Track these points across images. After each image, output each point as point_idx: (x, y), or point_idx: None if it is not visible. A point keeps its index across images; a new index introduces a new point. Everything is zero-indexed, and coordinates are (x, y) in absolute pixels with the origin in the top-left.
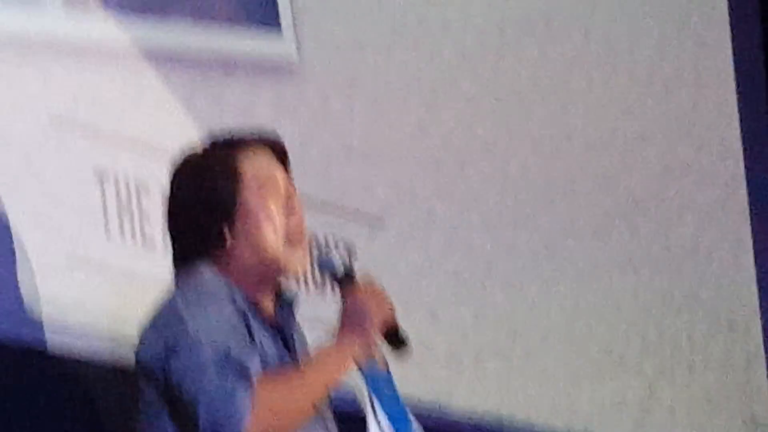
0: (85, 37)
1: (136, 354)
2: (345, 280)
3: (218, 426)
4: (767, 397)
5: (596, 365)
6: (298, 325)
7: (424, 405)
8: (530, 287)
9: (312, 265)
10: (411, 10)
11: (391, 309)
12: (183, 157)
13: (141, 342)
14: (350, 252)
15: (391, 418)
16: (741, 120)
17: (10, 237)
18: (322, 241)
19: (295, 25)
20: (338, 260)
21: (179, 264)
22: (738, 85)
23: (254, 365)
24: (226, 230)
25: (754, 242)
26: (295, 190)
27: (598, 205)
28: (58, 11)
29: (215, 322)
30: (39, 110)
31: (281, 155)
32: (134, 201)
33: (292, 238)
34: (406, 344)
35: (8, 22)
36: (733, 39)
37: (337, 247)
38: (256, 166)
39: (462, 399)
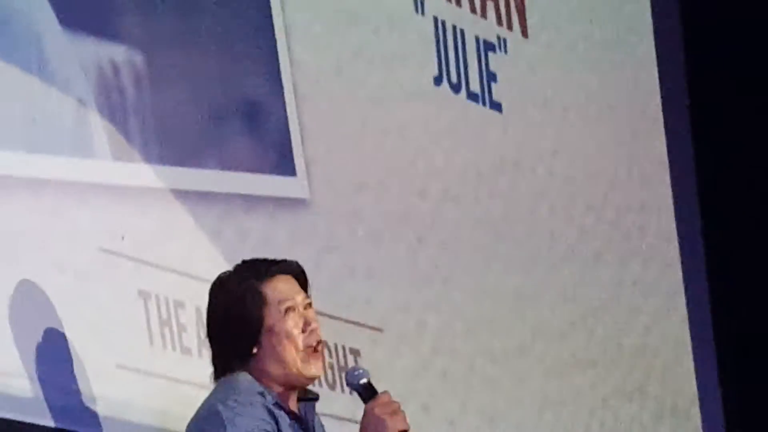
0: (130, 181)
1: None
2: (367, 393)
3: None
4: None
5: None
6: (318, 417)
7: None
8: (506, 383)
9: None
10: (403, 155)
11: (404, 418)
12: (218, 281)
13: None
14: (354, 356)
15: None
16: (680, 243)
17: (68, 348)
18: (333, 350)
19: (307, 170)
20: (363, 377)
21: (218, 369)
22: (676, 212)
23: None
24: (254, 346)
25: (693, 344)
26: (311, 307)
27: (562, 313)
28: (107, 160)
29: (251, 421)
30: (91, 242)
31: (301, 279)
32: (173, 316)
33: (309, 351)
34: None
35: (66, 169)
36: (673, 184)
37: (344, 353)
38: (278, 291)
39: None
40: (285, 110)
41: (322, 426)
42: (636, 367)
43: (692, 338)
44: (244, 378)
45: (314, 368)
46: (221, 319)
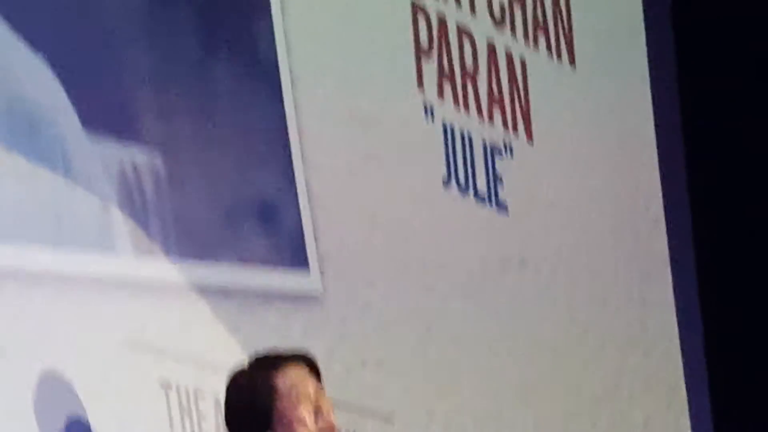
0: (151, 275)
1: None
2: None
3: None
4: None
5: None
6: None
7: None
8: None
9: None
10: (412, 252)
11: None
12: (233, 375)
13: None
14: None
15: None
16: (680, 337)
17: None
18: None
19: (320, 266)
20: None
21: None
22: (677, 308)
23: None
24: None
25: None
26: (325, 395)
27: (565, 404)
28: (129, 256)
29: None
30: (114, 334)
31: (313, 369)
32: (193, 405)
33: (329, 422)
34: None
35: (90, 264)
36: (673, 280)
37: None
38: (289, 381)
39: None
40: (299, 208)
41: None
42: None
43: (692, 428)
44: None
45: None
46: (236, 411)
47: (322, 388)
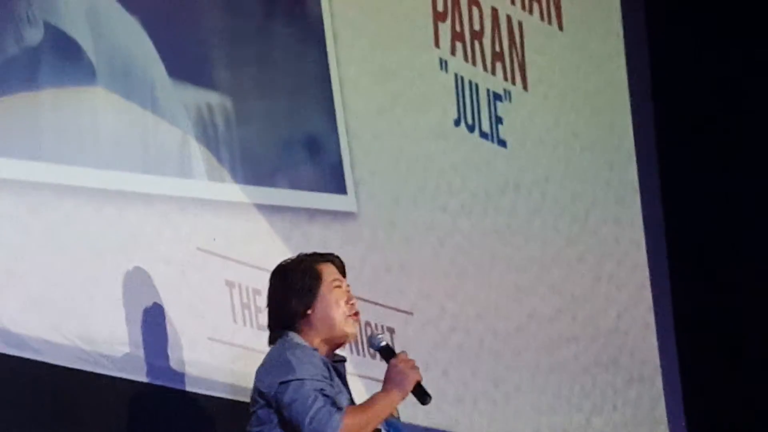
0: (221, 196)
1: (256, 388)
2: (387, 353)
3: (316, 429)
4: (665, 425)
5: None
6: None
7: (438, 430)
8: (508, 356)
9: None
10: (429, 178)
11: (418, 373)
12: (281, 265)
13: (259, 380)
14: (391, 333)
15: None
16: (647, 248)
17: (168, 324)
18: (373, 327)
19: (355, 189)
20: (383, 340)
21: (273, 331)
22: (645, 225)
23: (341, 401)
24: (309, 309)
25: (656, 326)
26: (349, 287)
27: (551, 302)
28: (203, 180)
29: (313, 369)
30: (190, 243)
31: (341, 269)
32: (252, 301)
33: (349, 318)
34: (429, 396)
35: (172, 186)
36: (642, 203)
37: (383, 331)
38: (328, 271)
39: (464, 427)
40: (338, 143)
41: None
42: (610, 344)
43: (656, 321)
44: (298, 339)
45: (353, 328)
46: (284, 289)
47: (348, 285)
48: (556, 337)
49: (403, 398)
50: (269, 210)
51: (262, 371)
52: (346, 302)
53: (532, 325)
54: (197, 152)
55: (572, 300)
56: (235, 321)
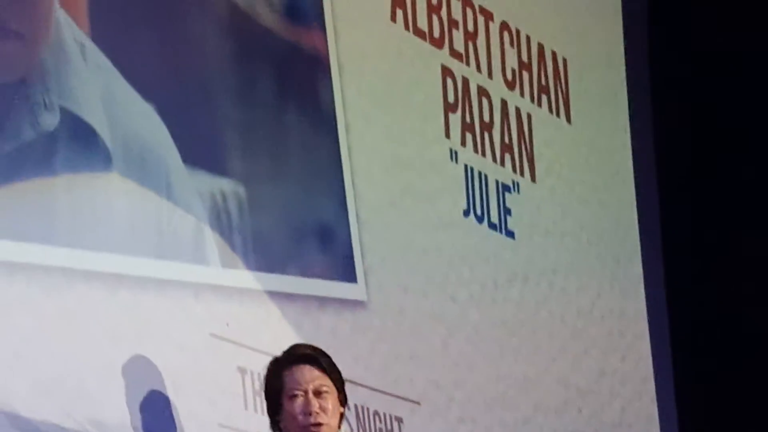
0: (234, 283)
1: None
2: None
3: None
4: None
5: None
6: None
7: None
8: None
9: None
10: (438, 269)
11: None
12: (269, 363)
13: None
14: (399, 423)
15: None
16: (651, 343)
17: (177, 410)
18: (382, 416)
19: (365, 278)
20: None
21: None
22: (649, 320)
23: None
24: (278, 416)
25: (660, 421)
26: (323, 392)
27: (557, 394)
28: (217, 267)
29: None
30: (203, 329)
31: (322, 366)
32: (263, 387)
33: (307, 429)
34: None
35: (186, 272)
36: (647, 297)
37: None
38: (292, 378)
39: None
40: (349, 232)
41: None
42: None
43: (659, 417)
44: None
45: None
46: (265, 391)
47: (322, 386)
48: (561, 430)
49: None
50: (281, 297)
51: None
52: (305, 413)
53: (539, 416)
54: (211, 239)
55: (577, 393)
56: (246, 408)
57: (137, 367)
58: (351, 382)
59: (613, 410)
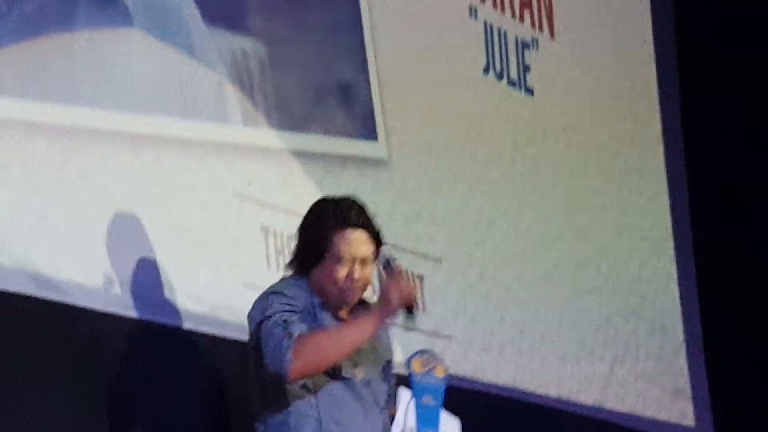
0: (256, 141)
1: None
2: (387, 268)
3: (274, 366)
4: (686, 375)
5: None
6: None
7: (465, 378)
8: (533, 304)
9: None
10: (459, 127)
11: (412, 292)
12: (319, 205)
13: (251, 309)
14: (420, 280)
15: (422, 421)
16: (669, 197)
17: (200, 268)
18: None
19: (386, 137)
20: (387, 256)
21: (291, 266)
22: (668, 175)
23: (298, 330)
24: (316, 264)
25: (678, 276)
26: (368, 263)
27: (576, 251)
28: (239, 125)
29: (283, 304)
30: (226, 188)
31: (372, 233)
32: (286, 247)
33: (343, 295)
34: (415, 316)
35: (208, 131)
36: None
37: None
38: (344, 241)
39: (490, 376)
40: (370, 90)
41: (387, 332)
42: (633, 295)
43: (677, 272)
44: (300, 282)
45: (346, 301)
46: (305, 236)
47: (369, 256)
48: (580, 286)
49: (378, 325)
50: (303, 156)
51: (255, 303)
52: (349, 280)
53: (558, 274)
54: (233, 97)
55: (596, 250)
56: (269, 266)
57: (161, 226)
58: None
59: (632, 267)
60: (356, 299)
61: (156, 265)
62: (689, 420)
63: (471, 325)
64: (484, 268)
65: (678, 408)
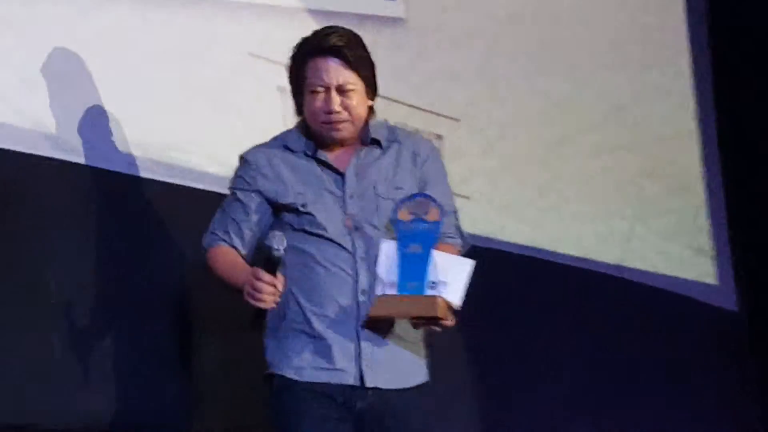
0: (271, 1)
1: None
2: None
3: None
4: (708, 234)
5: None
6: (379, 164)
7: (483, 237)
8: (554, 163)
9: None
10: None
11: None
12: (294, 47)
13: None
14: (439, 139)
15: (405, 273)
16: (690, 54)
17: (216, 129)
18: (422, 132)
19: None
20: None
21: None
22: (688, 35)
23: (219, 238)
24: (302, 107)
25: (699, 135)
26: (346, 90)
27: (596, 110)
28: None
29: (239, 178)
30: (242, 47)
31: (347, 59)
32: None
33: (325, 125)
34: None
35: None
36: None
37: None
38: (315, 71)
39: (510, 234)
40: None
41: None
42: (654, 153)
43: (699, 130)
44: (293, 129)
45: (333, 135)
46: (289, 73)
47: (345, 83)
48: (600, 145)
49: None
50: (320, 14)
51: None
52: (326, 111)
53: (578, 133)
54: None
55: (617, 108)
56: (285, 126)
57: (176, 86)
58: (390, 99)
59: (652, 125)
60: (343, 133)
61: (172, 127)
62: (712, 278)
63: (490, 184)
64: (503, 128)
65: (700, 267)
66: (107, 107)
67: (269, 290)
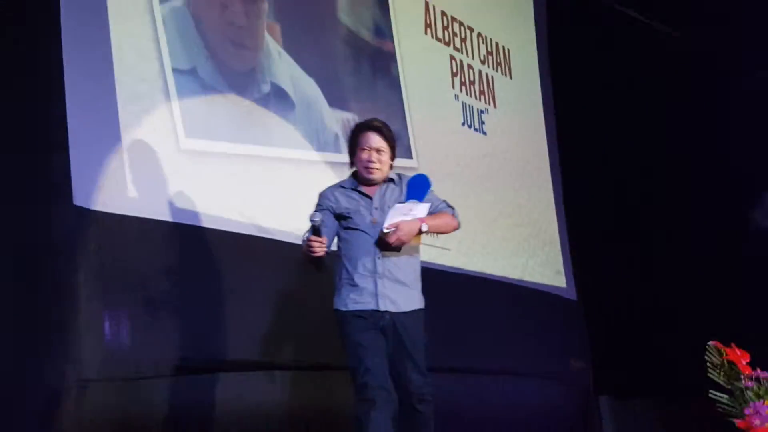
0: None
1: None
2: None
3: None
4: (561, 262)
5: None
6: (391, 192)
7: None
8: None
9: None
10: (450, 149)
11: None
12: (352, 127)
13: None
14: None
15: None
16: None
17: None
18: None
19: (416, 156)
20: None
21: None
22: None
23: (317, 216)
24: (353, 158)
25: None
26: (386, 147)
27: None
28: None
29: (318, 204)
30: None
31: (383, 133)
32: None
33: (365, 169)
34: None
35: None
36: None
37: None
38: (363, 138)
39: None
40: (408, 131)
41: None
42: (529, 222)
43: (555, 201)
44: (348, 177)
45: (368, 176)
46: (348, 146)
47: (381, 147)
48: (505, 228)
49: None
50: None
51: None
52: (369, 161)
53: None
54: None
55: (518, 207)
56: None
57: None
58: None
59: (534, 210)
60: (376, 176)
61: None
62: (563, 284)
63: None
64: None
65: (559, 280)
66: None
67: (316, 245)
